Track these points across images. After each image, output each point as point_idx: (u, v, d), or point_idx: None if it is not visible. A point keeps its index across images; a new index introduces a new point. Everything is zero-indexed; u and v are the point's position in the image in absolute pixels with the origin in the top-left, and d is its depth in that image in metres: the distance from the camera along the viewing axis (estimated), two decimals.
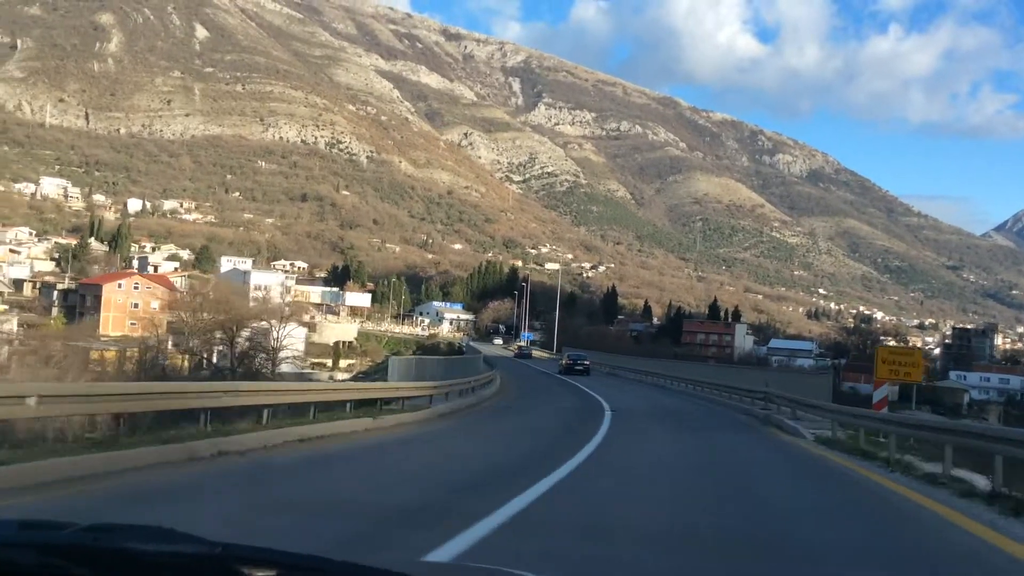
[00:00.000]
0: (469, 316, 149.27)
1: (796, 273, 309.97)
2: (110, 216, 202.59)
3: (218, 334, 70.73)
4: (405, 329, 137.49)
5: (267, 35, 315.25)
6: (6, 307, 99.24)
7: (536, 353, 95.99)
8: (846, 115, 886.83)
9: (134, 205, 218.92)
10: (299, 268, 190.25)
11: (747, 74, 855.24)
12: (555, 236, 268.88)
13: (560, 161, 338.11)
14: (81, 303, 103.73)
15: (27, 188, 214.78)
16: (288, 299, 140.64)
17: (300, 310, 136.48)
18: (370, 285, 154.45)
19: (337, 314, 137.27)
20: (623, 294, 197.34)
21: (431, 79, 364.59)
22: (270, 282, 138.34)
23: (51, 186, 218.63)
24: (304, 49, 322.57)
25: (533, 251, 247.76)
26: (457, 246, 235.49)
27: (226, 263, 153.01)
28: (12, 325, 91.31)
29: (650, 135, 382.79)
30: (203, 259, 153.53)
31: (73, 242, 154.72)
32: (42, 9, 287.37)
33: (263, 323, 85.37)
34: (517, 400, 29.65)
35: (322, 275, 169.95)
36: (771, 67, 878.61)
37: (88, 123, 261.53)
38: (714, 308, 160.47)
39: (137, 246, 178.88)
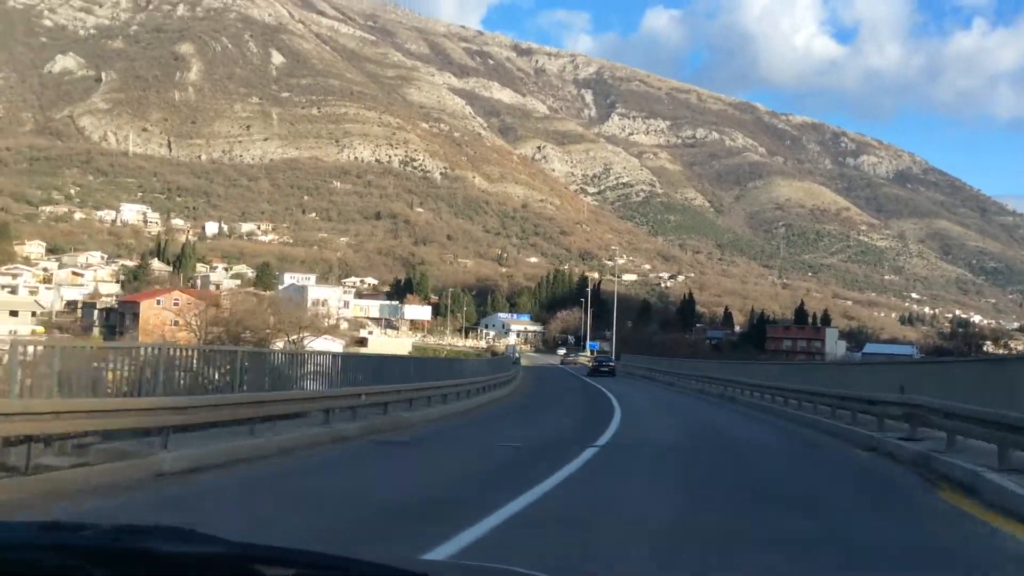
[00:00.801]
0: (537, 327, 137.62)
1: (887, 278, 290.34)
2: (187, 239, 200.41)
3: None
4: (469, 342, 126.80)
5: (341, 58, 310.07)
6: (40, 328, 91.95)
7: (585, 361, 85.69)
8: (932, 114, 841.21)
9: (211, 228, 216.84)
10: (368, 284, 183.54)
11: (826, 76, 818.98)
12: (632, 247, 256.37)
13: (635, 171, 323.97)
14: (120, 321, 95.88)
15: (108, 215, 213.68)
16: (348, 314, 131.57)
17: (358, 324, 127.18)
18: (434, 298, 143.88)
19: (396, 328, 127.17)
20: (704, 303, 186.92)
21: (503, 94, 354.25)
22: (328, 296, 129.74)
23: (131, 212, 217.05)
24: (377, 70, 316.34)
25: (609, 262, 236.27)
26: (532, 260, 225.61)
27: (289, 279, 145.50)
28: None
29: (727, 141, 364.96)
30: (264, 276, 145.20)
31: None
32: (125, 42, 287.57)
33: (294, 336, 75.85)
34: (469, 428, 17.49)
35: (386, 290, 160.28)
36: (851, 68, 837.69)
37: (170, 151, 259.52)
38: (801, 312, 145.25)
39: (209, 266, 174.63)
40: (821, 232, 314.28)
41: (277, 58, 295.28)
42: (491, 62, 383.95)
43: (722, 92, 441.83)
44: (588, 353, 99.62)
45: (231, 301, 72.33)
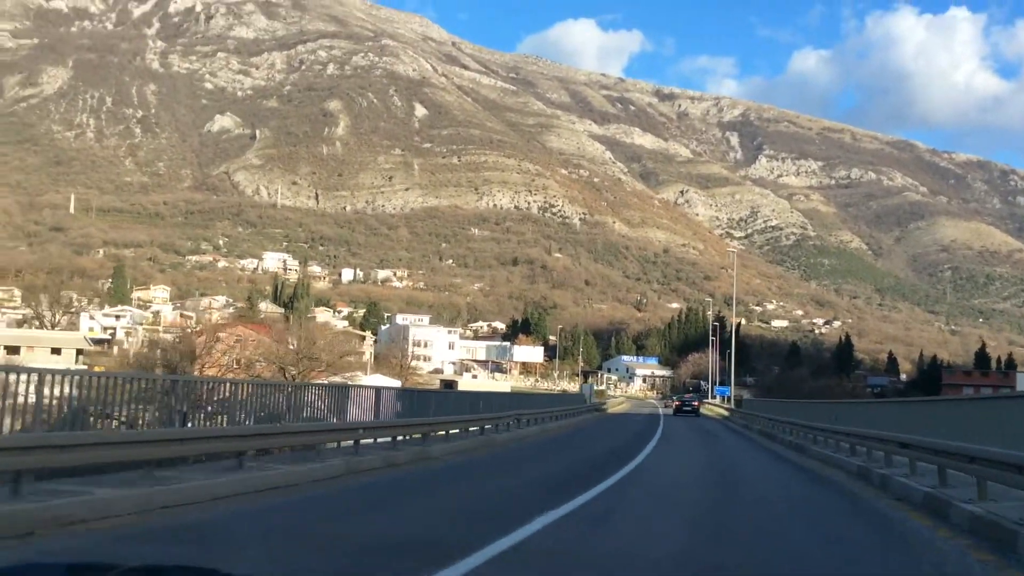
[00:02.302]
0: (665, 372, 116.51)
1: None
2: (323, 285, 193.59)
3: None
4: None
5: (482, 108, 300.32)
6: (98, 367, 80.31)
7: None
8: None
9: (347, 275, 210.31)
10: (493, 328, 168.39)
11: (990, 113, 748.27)
12: (782, 292, 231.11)
13: (785, 213, 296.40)
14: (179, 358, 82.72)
15: (251, 263, 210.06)
16: (454, 356, 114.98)
17: (463, 367, 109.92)
18: (552, 339, 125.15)
19: (505, 371, 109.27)
20: (863, 350, 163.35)
21: (645, 140, 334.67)
22: (434, 338, 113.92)
23: (272, 260, 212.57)
24: (517, 119, 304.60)
25: (758, 308, 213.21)
26: (674, 305, 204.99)
27: (401, 321, 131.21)
28: None
29: (885, 181, 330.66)
30: (371, 316, 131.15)
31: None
32: (279, 102, 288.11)
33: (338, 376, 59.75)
34: None
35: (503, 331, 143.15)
36: (1017, 103, 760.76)
37: (317, 203, 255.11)
38: (982, 356, 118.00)
39: (334, 310, 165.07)
40: (992, 275, 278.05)
41: (420, 110, 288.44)
42: (632, 108, 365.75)
43: (877, 131, 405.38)
44: (718, 399, 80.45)
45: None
